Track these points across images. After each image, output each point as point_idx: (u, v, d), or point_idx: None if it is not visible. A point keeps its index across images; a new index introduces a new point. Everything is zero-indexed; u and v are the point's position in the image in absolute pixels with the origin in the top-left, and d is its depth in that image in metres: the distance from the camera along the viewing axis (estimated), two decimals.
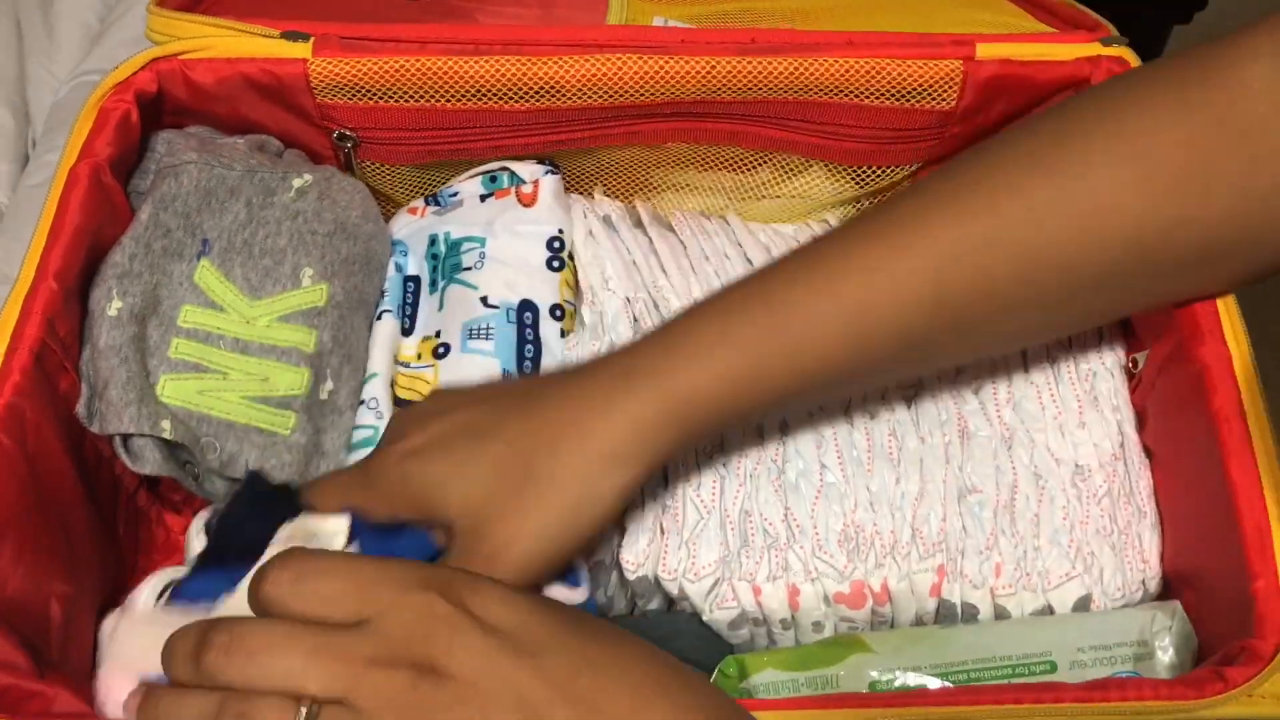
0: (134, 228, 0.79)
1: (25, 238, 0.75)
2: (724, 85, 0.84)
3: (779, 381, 0.69)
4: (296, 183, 0.84)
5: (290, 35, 0.83)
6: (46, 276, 0.73)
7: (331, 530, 0.67)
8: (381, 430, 0.80)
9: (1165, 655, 0.71)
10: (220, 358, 0.78)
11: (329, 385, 0.80)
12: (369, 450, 0.79)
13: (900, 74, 0.84)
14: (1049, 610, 0.75)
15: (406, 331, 0.86)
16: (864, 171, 0.91)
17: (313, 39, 0.83)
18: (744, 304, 0.70)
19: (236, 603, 0.62)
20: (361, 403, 0.82)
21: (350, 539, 0.66)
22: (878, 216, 0.73)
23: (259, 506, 0.69)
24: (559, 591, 0.69)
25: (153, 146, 0.84)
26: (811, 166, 0.92)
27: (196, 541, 0.70)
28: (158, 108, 0.84)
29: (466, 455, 0.67)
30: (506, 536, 0.65)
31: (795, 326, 0.69)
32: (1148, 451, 0.80)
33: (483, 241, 0.88)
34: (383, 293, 0.87)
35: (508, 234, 0.88)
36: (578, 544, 0.67)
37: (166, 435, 0.73)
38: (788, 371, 0.69)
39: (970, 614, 0.75)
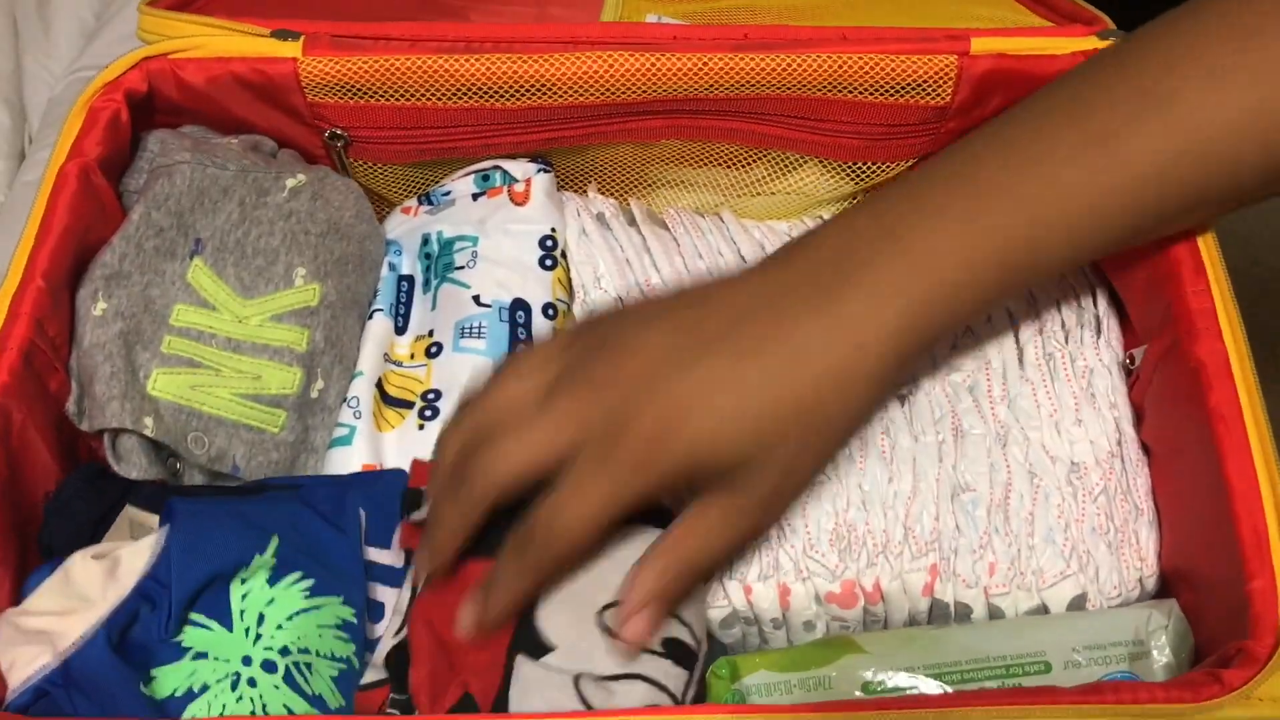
0: (126, 227, 0.79)
1: (19, 235, 0.75)
2: (717, 82, 0.84)
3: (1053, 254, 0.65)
4: (290, 183, 0.84)
5: (280, 34, 0.83)
6: (35, 276, 0.73)
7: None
8: (358, 430, 0.80)
9: (1161, 655, 0.71)
10: (213, 356, 0.78)
11: (319, 384, 0.80)
12: (343, 450, 0.80)
13: (895, 69, 0.84)
14: (1043, 610, 0.74)
15: (400, 330, 0.86)
16: (859, 168, 0.91)
17: (303, 37, 0.83)
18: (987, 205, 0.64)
19: (55, 584, 0.67)
20: (343, 401, 0.82)
21: (164, 522, 0.69)
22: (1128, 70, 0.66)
23: (86, 489, 0.73)
24: (374, 553, 0.72)
25: (146, 146, 0.84)
26: (806, 163, 0.92)
27: None
28: (148, 107, 0.84)
29: (732, 379, 0.61)
30: (784, 481, 0.64)
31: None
32: (1145, 449, 0.79)
33: (475, 240, 0.88)
34: (376, 292, 0.87)
35: (500, 233, 0.88)
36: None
37: (149, 432, 0.73)
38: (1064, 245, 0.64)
39: (964, 614, 0.74)
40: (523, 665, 0.65)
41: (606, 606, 0.67)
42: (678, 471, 0.60)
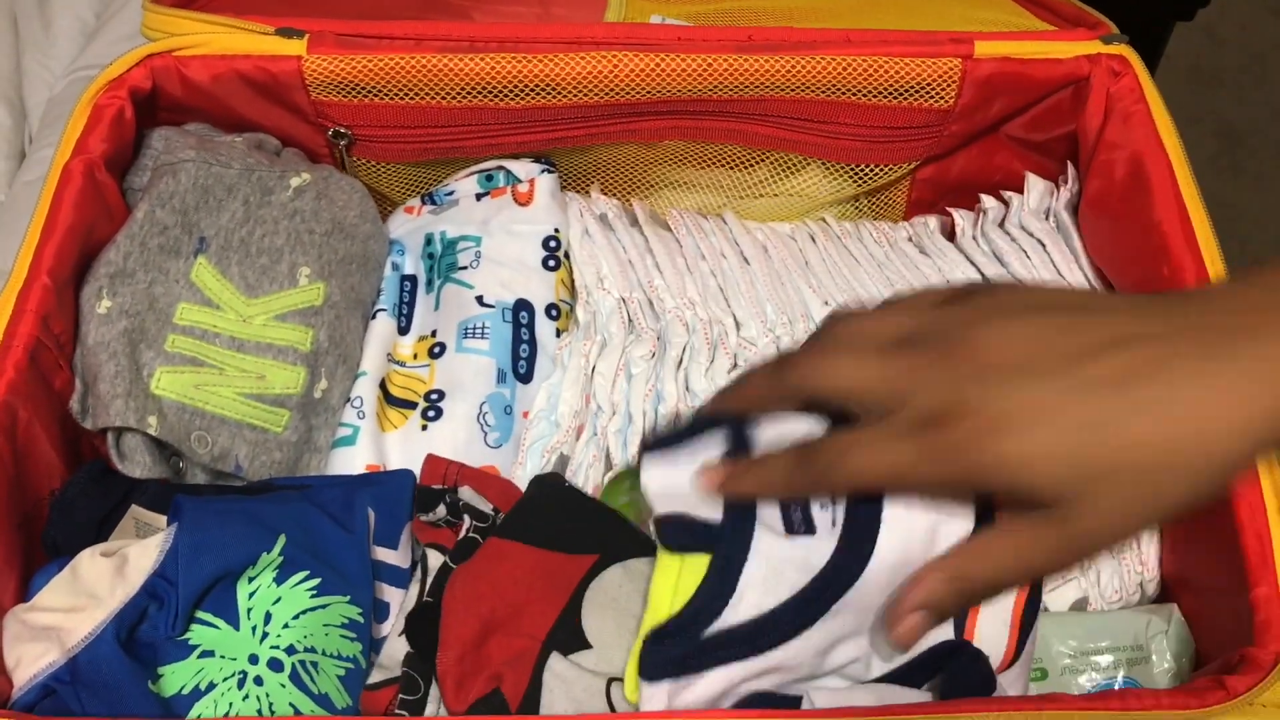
0: (130, 225, 0.78)
1: (22, 234, 0.75)
2: (721, 83, 0.84)
3: None
4: (294, 182, 0.83)
5: (285, 32, 0.83)
6: (40, 273, 0.73)
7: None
8: (362, 430, 0.80)
9: (1162, 660, 0.71)
10: (217, 355, 0.78)
11: (323, 384, 0.80)
12: (346, 450, 0.79)
13: (898, 72, 0.84)
14: (1044, 611, 0.74)
15: (403, 330, 0.86)
16: (862, 170, 0.91)
17: (307, 35, 0.83)
18: None
19: (63, 582, 0.66)
20: (346, 401, 0.82)
21: (171, 520, 0.68)
22: None
23: (91, 488, 0.72)
24: (381, 553, 0.71)
25: (150, 143, 0.83)
26: (809, 165, 0.92)
27: None
28: (152, 104, 0.83)
29: (1090, 422, 0.54)
30: (1101, 531, 0.56)
31: None
32: None
33: (478, 241, 0.87)
34: (379, 292, 0.87)
35: (503, 233, 0.87)
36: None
37: (152, 431, 0.73)
38: None
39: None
40: (555, 662, 0.65)
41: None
42: (981, 480, 0.55)
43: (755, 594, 0.63)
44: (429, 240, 0.89)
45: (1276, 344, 0.52)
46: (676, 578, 0.64)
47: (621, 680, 0.65)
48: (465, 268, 0.87)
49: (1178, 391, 0.52)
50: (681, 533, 0.65)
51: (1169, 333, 0.54)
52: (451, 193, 0.91)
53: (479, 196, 0.90)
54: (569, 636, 0.66)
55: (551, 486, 0.73)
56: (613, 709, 0.64)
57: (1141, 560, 0.76)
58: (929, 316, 0.59)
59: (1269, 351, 0.52)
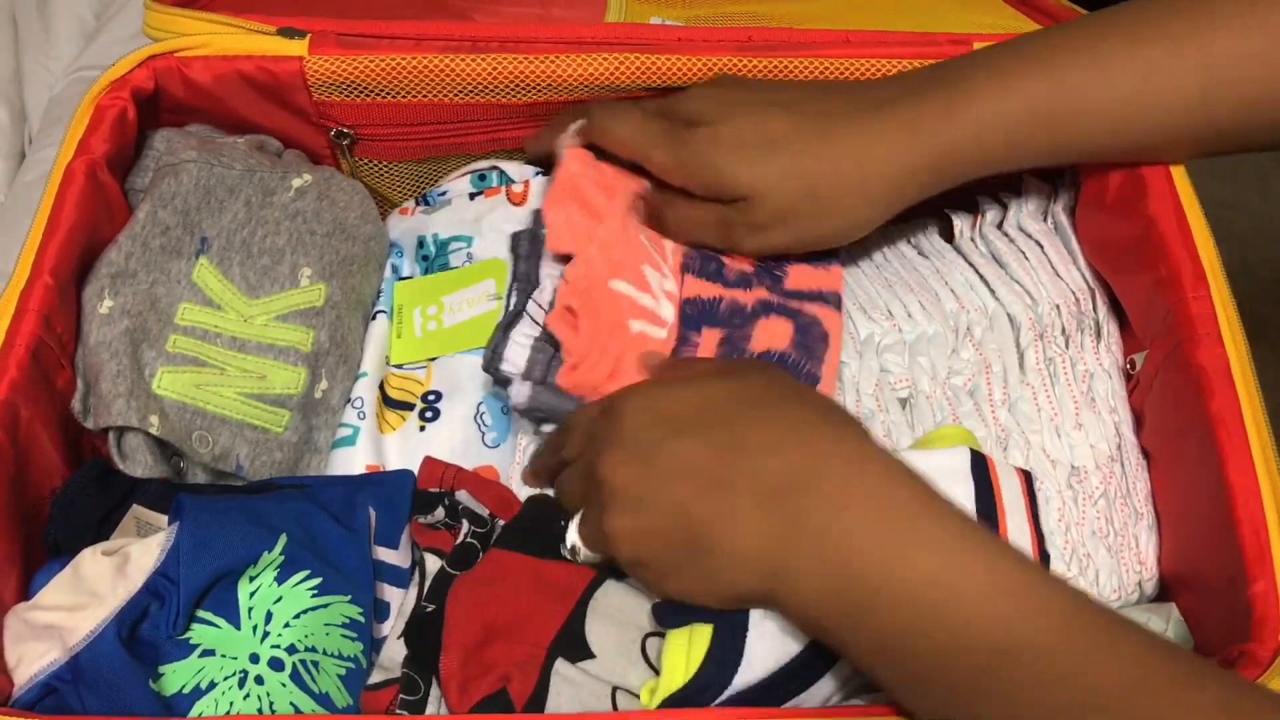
0: (132, 225, 0.79)
1: (22, 234, 0.75)
2: None
3: (1036, 155, 0.78)
4: (296, 183, 0.84)
5: (286, 32, 0.83)
6: (42, 273, 0.73)
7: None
8: (362, 431, 0.80)
9: None
10: (218, 355, 0.79)
11: (324, 385, 0.80)
12: (346, 450, 0.80)
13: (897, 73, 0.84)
14: None
15: None
16: None
17: (309, 36, 0.83)
18: (1022, 74, 0.76)
19: (65, 580, 0.67)
20: (347, 401, 0.82)
21: (173, 520, 0.68)
22: (1151, 8, 0.76)
23: (92, 487, 0.73)
24: (381, 553, 0.72)
25: (152, 144, 0.84)
26: None
27: None
28: (154, 105, 0.84)
29: (767, 156, 0.76)
30: (770, 225, 0.78)
31: (1064, 104, 0.75)
32: (1145, 453, 0.79)
33: (469, 241, 0.88)
34: (379, 293, 0.87)
35: (494, 233, 0.87)
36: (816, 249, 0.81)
37: (154, 431, 0.73)
38: (1049, 147, 0.77)
39: None
40: (562, 667, 0.65)
41: (649, 635, 0.68)
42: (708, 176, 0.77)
43: (765, 652, 0.64)
44: (421, 243, 0.89)
45: (908, 110, 0.76)
46: (688, 646, 0.65)
47: (626, 690, 0.65)
48: (457, 269, 0.87)
49: (840, 143, 0.76)
50: (678, 613, 0.65)
51: (834, 106, 0.77)
52: (444, 193, 0.91)
53: (472, 196, 0.90)
54: (573, 645, 0.67)
55: (549, 504, 0.74)
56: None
57: (1140, 559, 0.76)
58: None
59: (904, 114, 0.75)
